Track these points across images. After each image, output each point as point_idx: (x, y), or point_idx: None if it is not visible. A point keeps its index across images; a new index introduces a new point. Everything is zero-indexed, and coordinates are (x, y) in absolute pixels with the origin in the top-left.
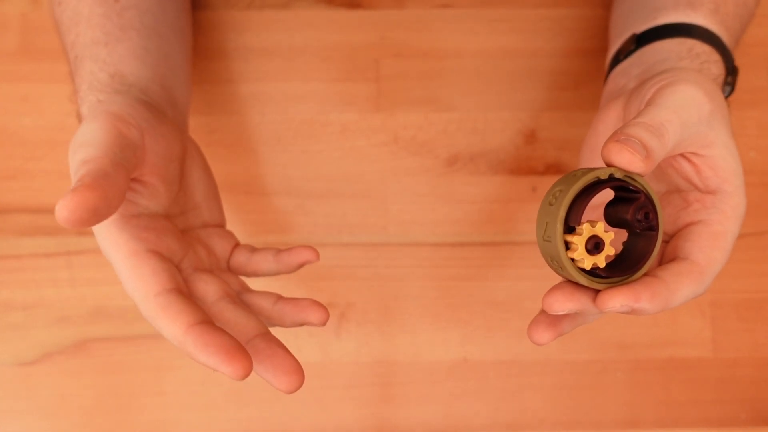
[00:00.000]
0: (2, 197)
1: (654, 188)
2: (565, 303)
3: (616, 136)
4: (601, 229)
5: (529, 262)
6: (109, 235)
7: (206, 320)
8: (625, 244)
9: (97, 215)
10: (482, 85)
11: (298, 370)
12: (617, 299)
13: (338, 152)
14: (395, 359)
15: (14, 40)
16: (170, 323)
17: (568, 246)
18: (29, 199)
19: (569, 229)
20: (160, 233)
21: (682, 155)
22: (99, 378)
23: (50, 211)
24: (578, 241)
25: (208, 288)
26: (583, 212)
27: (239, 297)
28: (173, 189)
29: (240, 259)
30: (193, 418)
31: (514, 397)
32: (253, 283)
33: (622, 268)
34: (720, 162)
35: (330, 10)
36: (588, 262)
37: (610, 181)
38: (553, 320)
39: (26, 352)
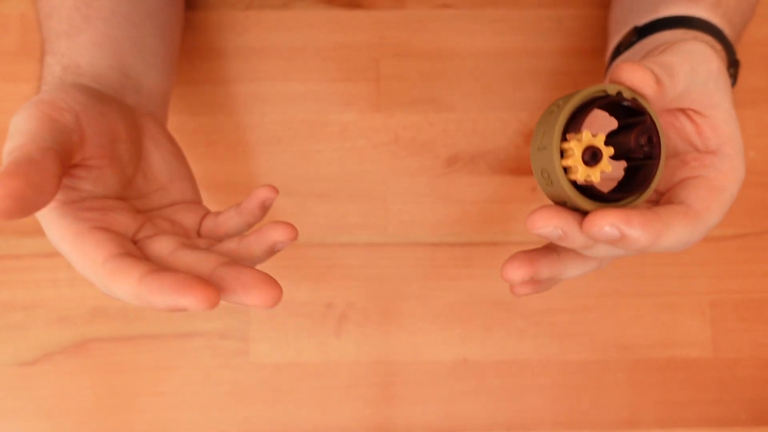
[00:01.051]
0: None
1: None
2: (550, 219)
3: (628, 62)
4: (601, 141)
5: None
6: (51, 223)
7: (157, 269)
8: (625, 174)
9: (27, 203)
10: (482, 85)
11: (269, 281)
12: (607, 219)
13: (338, 152)
14: (395, 359)
15: (14, 40)
16: (122, 281)
17: (563, 155)
18: None
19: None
20: (106, 211)
21: (685, 113)
22: (99, 378)
23: None
24: (576, 147)
25: (162, 244)
26: (583, 123)
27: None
28: (126, 171)
29: (208, 225)
30: (193, 418)
31: (514, 397)
32: None
33: (618, 195)
34: (722, 124)
35: (330, 10)
36: (582, 172)
37: (618, 98)
38: (530, 258)
39: (26, 352)
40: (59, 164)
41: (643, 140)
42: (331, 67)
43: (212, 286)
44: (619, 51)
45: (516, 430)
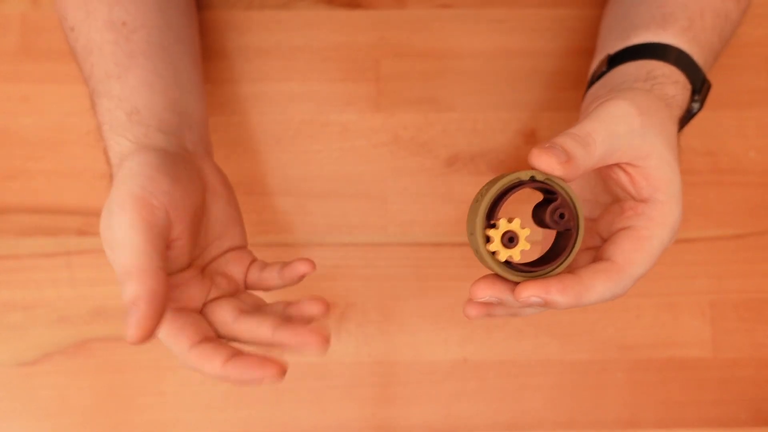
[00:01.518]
0: (2, 197)
1: (601, 199)
2: (486, 290)
3: (541, 144)
4: (517, 225)
5: None
6: None
7: (235, 353)
8: (555, 238)
9: (156, 328)
10: (482, 85)
11: (319, 333)
12: (529, 290)
13: (338, 152)
14: (395, 359)
15: (14, 40)
16: (208, 365)
17: (489, 239)
18: (29, 199)
19: (492, 225)
20: (183, 288)
21: (619, 166)
22: (99, 378)
23: (50, 211)
24: (495, 234)
25: (224, 312)
26: (501, 208)
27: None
28: (196, 235)
29: (252, 278)
30: (193, 418)
31: (514, 397)
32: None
33: (543, 265)
34: (654, 172)
35: (330, 10)
36: (503, 254)
37: (532, 183)
38: (484, 303)
39: (26, 352)
40: (166, 276)
41: (555, 216)
42: (331, 67)
43: (283, 363)
44: (593, 80)
45: (516, 431)
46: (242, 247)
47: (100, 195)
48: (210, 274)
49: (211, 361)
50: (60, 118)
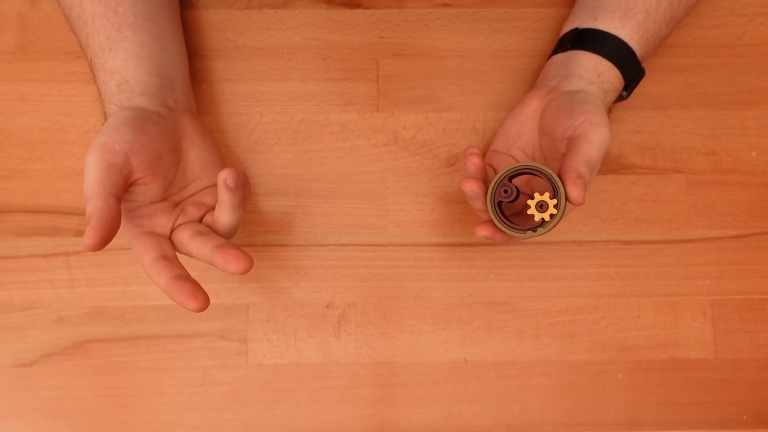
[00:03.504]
0: (0, 197)
1: (547, 154)
2: (481, 231)
3: (576, 180)
4: (546, 197)
5: (529, 262)
6: (122, 228)
7: (179, 275)
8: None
9: (107, 239)
10: (482, 85)
11: (243, 257)
12: (479, 232)
13: (338, 152)
14: (395, 360)
15: (12, 39)
16: (157, 280)
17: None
18: (27, 199)
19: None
20: (152, 217)
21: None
22: (97, 379)
23: (48, 211)
24: (532, 203)
25: (183, 233)
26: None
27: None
28: (168, 176)
29: (208, 220)
30: (192, 419)
31: (515, 398)
32: (254, 287)
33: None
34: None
35: (329, 9)
36: (538, 216)
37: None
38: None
39: (24, 353)
40: (119, 202)
41: (500, 191)
42: (330, 66)
43: (205, 297)
44: (557, 49)
45: (516, 431)
46: None
47: None
48: (183, 206)
49: (158, 278)
50: (58, 118)
